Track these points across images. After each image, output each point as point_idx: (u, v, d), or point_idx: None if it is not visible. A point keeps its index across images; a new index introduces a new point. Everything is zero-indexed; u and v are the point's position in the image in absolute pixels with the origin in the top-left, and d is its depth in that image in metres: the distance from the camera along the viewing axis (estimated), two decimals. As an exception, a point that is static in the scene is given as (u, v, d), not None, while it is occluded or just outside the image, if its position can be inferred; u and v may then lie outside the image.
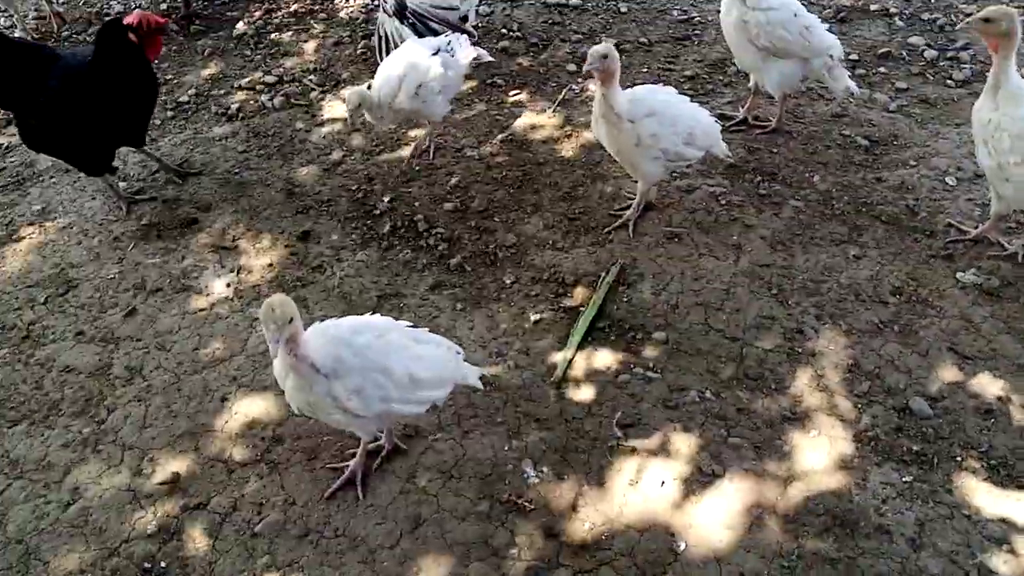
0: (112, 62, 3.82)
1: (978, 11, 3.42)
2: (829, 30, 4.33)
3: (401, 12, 4.69)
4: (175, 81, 5.32)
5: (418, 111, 4.20)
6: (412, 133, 4.72)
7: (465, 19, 4.85)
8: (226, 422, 3.20)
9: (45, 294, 3.82)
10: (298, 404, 2.70)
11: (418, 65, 4.10)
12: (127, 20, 3.76)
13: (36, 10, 6.03)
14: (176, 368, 3.44)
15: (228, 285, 3.80)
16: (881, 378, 3.24)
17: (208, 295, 3.77)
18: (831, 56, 4.22)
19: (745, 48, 4.28)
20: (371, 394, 2.61)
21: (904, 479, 2.88)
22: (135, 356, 3.50)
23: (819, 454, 2.99)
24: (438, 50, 4.19)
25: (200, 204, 4.28)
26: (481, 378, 2.97)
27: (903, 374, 3.25)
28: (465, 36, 4.42)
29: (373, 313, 3.52)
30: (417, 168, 4.44)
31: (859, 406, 3.14)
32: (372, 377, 2.61)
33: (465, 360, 2.93)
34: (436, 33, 4.72)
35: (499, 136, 4.64)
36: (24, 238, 4.15)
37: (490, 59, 4.57)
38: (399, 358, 2.67)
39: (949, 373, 3.23)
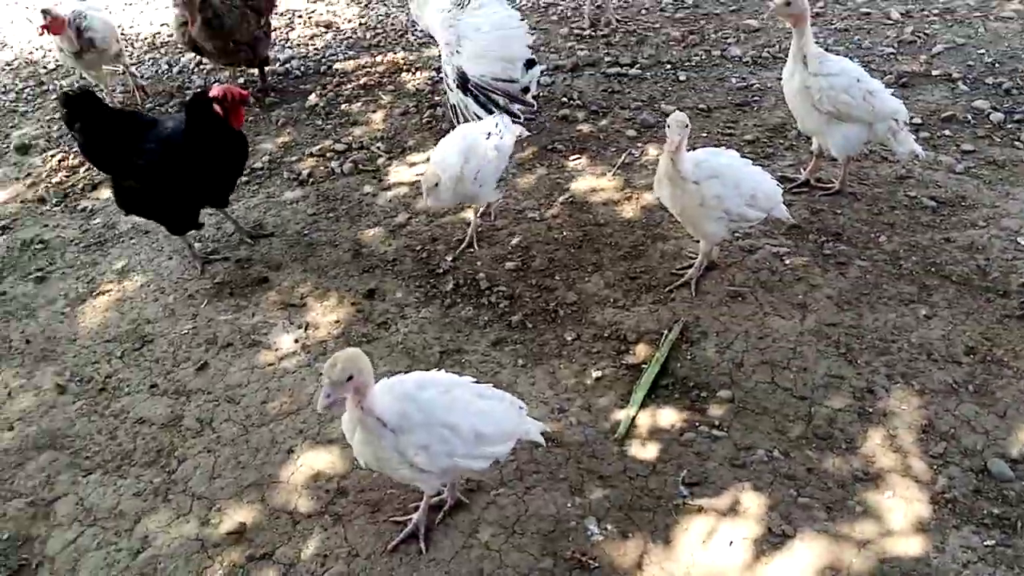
0: (201, 131, 4.06)
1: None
2: (892, 95, 4.34)
3: (464, 85, 4.86)
4: (251, 149, 5.58)
5: (476, 195, 4.21)
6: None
7: (527, 90, 4.97)
8: (292, 474, 3.25)
9: (122, 348, 3.97)
10: (365, 458, 2.71)
11: (477, 149, 4.13)
12: (212, 93, 4.01)
13: (123, 85, 6.44)
14: (244, 420, 3.52)
15: (296, 341, 3.91)
16: (957, 439, 3.12)
17: (276, 350, 3.87)
18: (896, 120, 4.24)
19: (808, 112, 4.33)
20: (437, 449, 2.62)
21: (986, 543, 2.75)
22: (205, 408, 3.60)
23: (894, 516, 2.87)
24: (489, 134, 4.24)
25: (271, 264, 4.44)
26: (543, 433, 2.97)
27: (980, 435, 3.13)
28: (507, 116, 4.46)
29: (436, 369, 3.59)
30: (478, 245, 4.54)
31: (935, 467, 3.03)
32: (438, 432, 2.62)
33: (527, 415, 2.94)
34: (498, 104, 4.86)
35: (560, 198, 4.73)
36: (104, 295, 4.35)
37: (528, 134, 4.63)
38: (464, 413, 2.68)
39: (1031, 435, 3.10)
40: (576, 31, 6.73)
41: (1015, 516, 2.83)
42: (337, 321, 3.99)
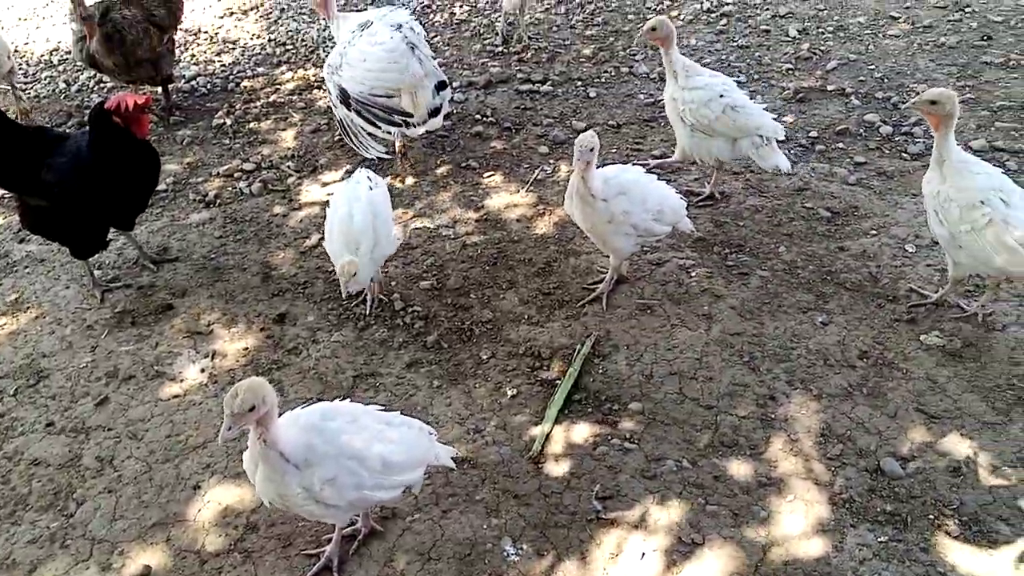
0: (106, 145, 3.92)
1: (923, 92, 3.61)
2: (772, 109, 4.52)
3: (346, 101, 4.80)
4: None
5: (384, 255, 3.97)
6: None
7: (438, 110, 4.89)
8: (199, 511, 3.15)
9: (15, 385, 3.79)
10: (268, 496, 2.61)
11: (372, 228, 3.79)
12: (107, 105, 3.87)
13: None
14: (148, 457, 3.40)
15: (202, 371, 3.80)
16: (852, 440, 3.27)
17: (182, 381, 3.75)
18: (760, 136, 4.42)
19: (677, 124, 4.59)
20: (345, 482, 2.55)
21: (880, 539, 2.88)
22: (106, 446, 3.46)
23: (796, 518, 2.99)
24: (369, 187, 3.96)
25: (175, 290, 4.31)
26: (454, 457, 2.96)
27: (873, 436, 3.28)
28: (370, 170, 4.19)
29: (348, 394, 3.55)
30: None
31: (832, 469, 3.16)
32: (345, 464, 2.56)
33: (438, 440, 2.93)
34: (379, 117, 4.76)
35: (474, 215, 4.75)
36: (-3, 329, 4.14)
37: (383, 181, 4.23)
38: (372, 443, 2.63)
39: (918, 433, 3.27)
40: (489, 48, 6.79)
41: (905, 512, 2.98)
42: (246, 348, 3.90)
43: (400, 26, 4.75)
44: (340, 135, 5.62)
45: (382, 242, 3.84)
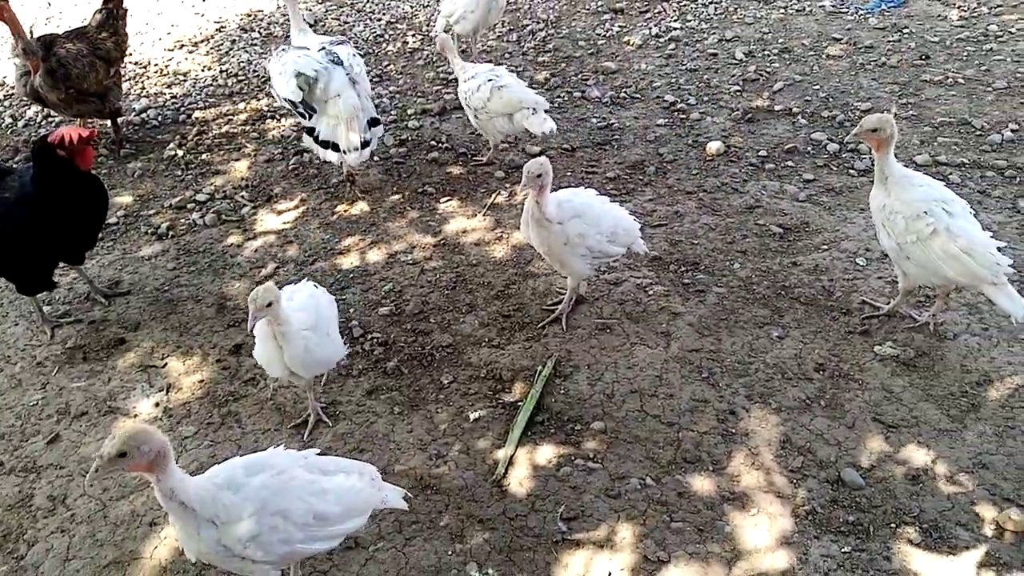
0: (50, 179, 3.84)
1: (863, 120, 3.71)
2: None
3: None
4: (104, 204, 5.32)
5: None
6: (346, 242, 4.79)
7: (367, 144, 4.92)
8: (155, 548, 3.06)
9: (-38, 426, 3.66)
10: (193, 553, 2.46)
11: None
12: (51, 139, 3.80)
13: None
14: (102, 495, 3.29)
15: (157, 405, 3.71)
16: (812, 452, 3.31)
17: (136, 416, 3.66)
18: (527, 108, 5.01)
19: (469, 113, 5.26)
20: (270, 540, 2.42)
21: (843, 550, 2.91)
22: (58, 485, 3.35)
23: (760, 532, 3.00)
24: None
25: (128, 324, 4.21)
26: (407, 497, 2.86)
27: (833, 447, 3.33)
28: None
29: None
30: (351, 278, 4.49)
31: (794, 481, 3.19)
32: (268, 521, 2.41)
33: (385, 480, 2.82)
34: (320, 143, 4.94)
35: (432, 240, 4.75)
36: (-59, 369, 4.00)
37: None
38: (300, 497, 2.49)
39: (876, 443, 3.33)
40: (443, 75, 6.83)
41: (867, 521, 3.02)
42: (201, 381, 3.83)
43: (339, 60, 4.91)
44: (295, 163, 5.60)
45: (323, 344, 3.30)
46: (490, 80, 5.10)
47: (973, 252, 3.47)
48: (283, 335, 3.12)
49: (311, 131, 4.93)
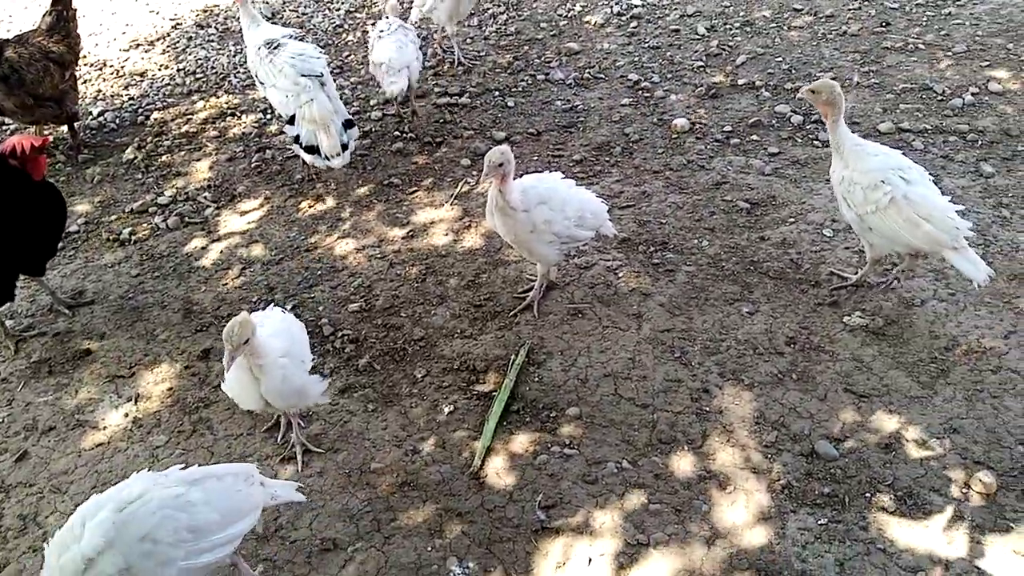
0: (3, 189, 3.76)
1: (829, 76, 3.72)
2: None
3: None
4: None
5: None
6: (312, 239, 4.73)
7: (345, 147, 4.88)
8: (131, 560, 3.02)
9: (-74, 447, 3.58)
10: None
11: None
12: (1, 148, 3.74)
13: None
14: (73, 511, 3.22)
15: (126, 415, 3.66)
16: (786, 426, 3.33)
17: (105, 429, 3.60)
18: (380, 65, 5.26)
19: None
20: (144, 566, 2.36)
21: (820, 522, 2.93)
22: (28, 504, 3.29)
23: (737, 509, 3.02)
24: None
25: (93, 334, 4.14)
26: (301, 488, 2.84)
27: (806, 420, 3.35)
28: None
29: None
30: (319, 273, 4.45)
31: (769, 456, 3.21)
32: (139, 549, 2.36)
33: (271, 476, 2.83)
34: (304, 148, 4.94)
35: (400, 232, 4.70)
36: (-98, 391, 3.91)
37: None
38: (164, 515, 2.42)
39: (848, 413, 3.35)
40: (403, 63, 6.72)
41: (842, 492, 3.04)
42: (170, 388, 3.77)
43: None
44: (258, 161, 5.52)
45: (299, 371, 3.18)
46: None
47: (932, 218, 3.49)
48: (260, 367, 2.98)
49: (297, 138, 4.90)
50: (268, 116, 6.02)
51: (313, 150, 4.87)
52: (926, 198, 3.54)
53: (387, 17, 5.79)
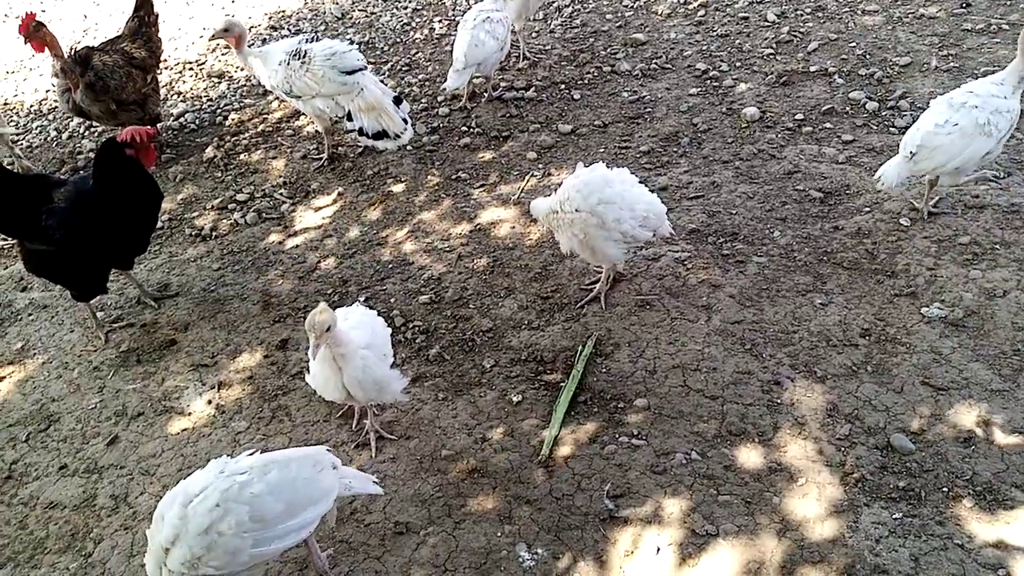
0: (115, 178, 4.01)
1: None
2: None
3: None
4: (149, 210, 5.46)
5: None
6: (383, 233, 4.84)
7: (406, 121, 5.13)
8: (215, 539, 3.16)
9: (26, 431, 3.82)
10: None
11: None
12: (120, 137, 3.97)
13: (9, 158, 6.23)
14: (162, 492, 3.38)
15: (209, 402, 3.83)
16: (860, 419, 3.26)
17: (190, 415, 3.78)
18: (363, 89, 4.99)
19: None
20: (214, 554, 2.50)
21: (895, 516, 2.88)
22: (119, 484, 3.48)
23: (809, 502, 2.98)
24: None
25: (177, 325, 4.34)
26: (378, 481, 2.89)
27: (881, 413, 3.27)
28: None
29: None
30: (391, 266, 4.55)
31: (842, 449, 3.16)
32: (200, 542, 2.49)
33: (345, 466, 2.84)
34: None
35: (468, 227, 4.78)
36: (3, 378, 4.17)
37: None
38: (226, 508, 2.52)
39: (926, 407, 3.26)
40: (470, 59, 6.79)
41: (919, 486, 2.97)
42: (250, 377, 3.93)
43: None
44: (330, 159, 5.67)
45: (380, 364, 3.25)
46: (281, 63, 5.11)
47: None
48: (342, 356, 3.07)
49: (361, 131, 5.07)
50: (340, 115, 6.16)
51: (381, 135, 5.04)
52: None
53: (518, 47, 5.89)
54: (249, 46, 5.36)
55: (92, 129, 6.53)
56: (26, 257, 4.19)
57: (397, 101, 5.12)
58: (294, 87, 5.11)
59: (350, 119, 5.07)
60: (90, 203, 3.98)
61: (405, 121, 5.03)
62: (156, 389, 3.95)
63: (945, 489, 2.94)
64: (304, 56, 5.03)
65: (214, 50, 7.71)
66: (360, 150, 5.65)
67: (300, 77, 5.04)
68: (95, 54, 5.58)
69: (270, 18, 8.23)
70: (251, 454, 2.74)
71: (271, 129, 6.21)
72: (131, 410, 3.85)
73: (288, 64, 5.07)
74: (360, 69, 5.03)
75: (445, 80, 5.79)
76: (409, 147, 5.63)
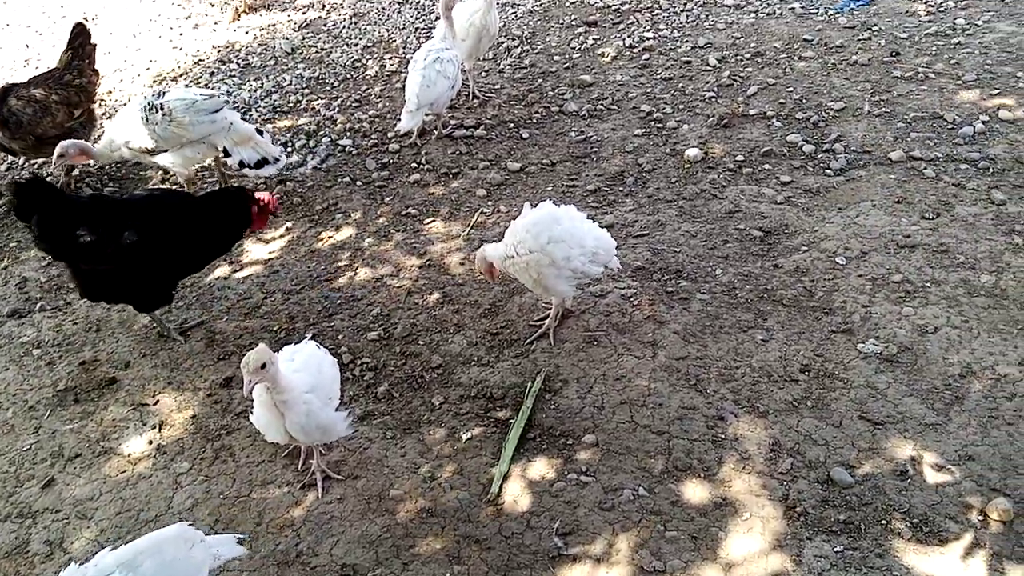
0: (224, 215, 4.19)
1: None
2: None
3: None
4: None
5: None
6: (332, 268, 4.82)
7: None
8: (154, 586, 3.06)
9: (-44, 475, 3.67)
10: None
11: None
12: (260, 196, 4.23)
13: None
14: (99, 536, 3.31)
15: (150, 443, 3.73)
16: (802, 453, 3.35)
17: (130, 456, 3.68)
18: (232, 124, 5.13)
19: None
20: None
21: (836, 549, 2.95)
22: (54, 529, 3.36)
23: (753, 536, 3.04)
24: None
25: (117, 363, 4.23)
26: (240, 539, 2.86)
27: (821, 447, 3.37)
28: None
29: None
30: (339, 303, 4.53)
31: (785, 483, 3.23)
32: None
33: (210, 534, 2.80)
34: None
35: (417, 262, 4.79)
36: (-67, 419, 4.01)
37: None
38: None
39: (863, 441, 3.37)
40: (420, 96, 6.86)
41: (858, 519, 3.06)
42: (193, 416, 3.85)
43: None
44: (278, 194, 5.64)
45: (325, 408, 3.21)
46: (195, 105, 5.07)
47: None
48: (284, 403, 3.02)
49: (242, 163, 5.27)
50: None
51: (261, 163, 5.28)
52: None
53: (438, 37, 6.00)
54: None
55: (32, 161, 6.37)
56: (84, 280, 4.08)
57: (259, 132, 5.35)
58: (159, 140, 5.03)
59: (227, 155, 5.26)
60: (181, 214, 4.10)
61: (275, 140, 5.30)
62: (94, 429, 3.83)
63: (884, 522, 3.03)
64: (159, 110, 4.97)
65: (162, 82, 7.63)
66: (309, 184, 5.64)
67: (165, 128, 4.98)
68: (17, 89, 5.52)
69: (219, 51, 8.20)
70: (112, 550, 2.57)
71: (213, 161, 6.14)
72: (68, 451, 3.73)
73: (148, 121, 4.97)
74: (222, 107, 5.16)
75: (396, 118, 5.84)
76: (359, 183, 5.65)
